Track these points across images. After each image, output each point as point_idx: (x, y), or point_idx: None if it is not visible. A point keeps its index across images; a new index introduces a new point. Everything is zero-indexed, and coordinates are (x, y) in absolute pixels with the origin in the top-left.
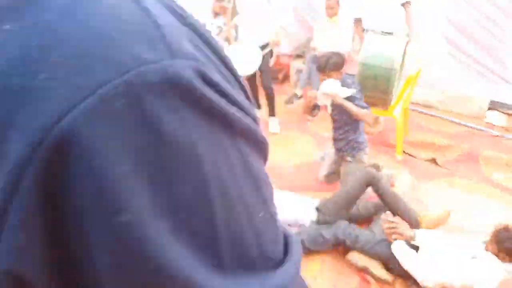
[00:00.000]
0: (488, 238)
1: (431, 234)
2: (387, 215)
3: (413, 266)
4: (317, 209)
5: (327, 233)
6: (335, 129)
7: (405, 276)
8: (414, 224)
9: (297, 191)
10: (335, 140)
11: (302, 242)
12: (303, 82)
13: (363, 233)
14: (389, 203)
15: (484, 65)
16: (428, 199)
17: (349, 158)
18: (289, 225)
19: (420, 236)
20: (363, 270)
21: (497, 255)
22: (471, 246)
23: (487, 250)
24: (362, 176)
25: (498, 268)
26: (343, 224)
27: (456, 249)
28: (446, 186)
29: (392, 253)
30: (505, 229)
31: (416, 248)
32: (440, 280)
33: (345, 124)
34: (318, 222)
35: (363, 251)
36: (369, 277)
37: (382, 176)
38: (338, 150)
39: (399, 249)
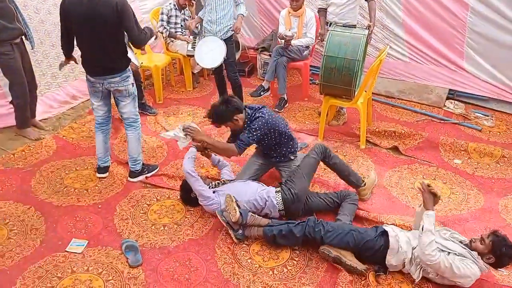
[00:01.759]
0: (475, 238)
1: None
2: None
3: (430, 237)
4: (281, 184)
5: (298, 231)
6: (266, 152)
7: (377, 263)
8: (359, 183)
9: (266, 183)
10: (271, 157)
11: (274, 237)
12: (270, 75)
13: (331, 227)
14: (340, 169)
15: (443, 55)
16: (391, 185)
17: (291, 157)
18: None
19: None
20: (335, 261)
21: (483, 256)
22: (457, 243)
23: (473, 248)
24: (318, 149)
25: (478, 270)
26: (312, 221)
27: (445, 243)
28: (408, 173)
29: (362, 242)
30: (499, 235)
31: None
32: (437, 261)
33: (273, 146)
34: (284, 214)
35: (333, 245)
36: (337, 264)
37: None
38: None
39: (431, 216)
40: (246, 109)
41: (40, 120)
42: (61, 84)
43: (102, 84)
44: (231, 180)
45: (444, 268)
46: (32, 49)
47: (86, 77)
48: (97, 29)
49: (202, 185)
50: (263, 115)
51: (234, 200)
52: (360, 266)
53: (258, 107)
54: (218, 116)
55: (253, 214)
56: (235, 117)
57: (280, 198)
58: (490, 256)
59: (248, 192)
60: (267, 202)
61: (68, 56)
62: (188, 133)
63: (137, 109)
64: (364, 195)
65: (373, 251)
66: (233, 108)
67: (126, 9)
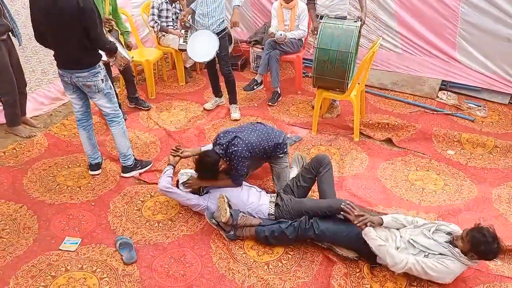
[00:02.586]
0: (457, 233)
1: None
2: (346, 209)
3: (383, 251)
4: (277, 204)
5: (290, 232)
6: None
7: (370, 257)
8: None
9: (261, 176)
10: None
11: (266, 238)
12: (262, 68)
13: (322, 232)
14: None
15: (435, 46)
16: (385, 177)
17: (280, 155)
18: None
19: (386, 219)
20: (328, 250)
21: (466, 253)
22: (440, 241)
23: (456, 245)
24: (337, 205)
25: (461, 266)
26: (303, 223)
27: (426, 242)
28: (401, 165)
29: (354, 240)
30: (479, 230)
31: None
32: (407, 267)
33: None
34: (275, 217)
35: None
36: (332, 256)
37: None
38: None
39: (369, 234)
40: (217, 147)
41: (31, 118)
42: (52, 81)
43: (70, 78)
44: None
45: (417, 272)
46: (19, 45)
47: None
48: (59, 24)
49: (183, 195)
50: (236, 148)
51: (226, 200)
52: (351, 254)
53: (229, 140)
54: (208, 175)
55: (244, 214)
56: (219, 168)
57: (274, 218)
58: (472, 254)
59: (238, 203)
60: (258, 217)
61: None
62: (188, 186)
63: (115, 104)
64: None
65: (365, 245)
66: (211, 165)
67: (88, 7)
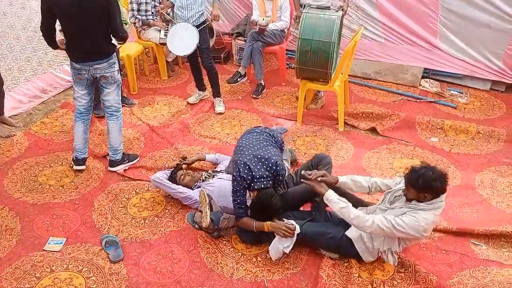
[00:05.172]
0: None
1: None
2: (305, 173)
3: (346, 214)
4: None
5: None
6: None
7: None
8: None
9: None
10: None
11: (249, 242)
12: (245, 60)
13: (307, 228)
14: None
15: (417, 35)
16: (371, 166)
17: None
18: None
19: (342, 179)
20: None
21: (418, 199)
22: (395, 206)
23: (409, 198)
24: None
25: (428, 213)
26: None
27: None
28: (386, 153)
29: (341, 243)
30: (412, 171)
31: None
32: (375, 225)
33: None
34: None
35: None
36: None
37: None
38: None
39: (330, 198)
40: (259, 183)
41: (9, 117)
42: (29, 78)
43: (88, 71)
44: (221, 172)
45: (388, 230)
46: None
47: (71, 64)
48: (85, 14)
49: (173, 187)
50: (283, 168)
51: (207, 200)
52: (334, 256)
53: (272, 168)
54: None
55: (225, 217)
56: None
57: None
58: (424, 195)
59: (223, 197)
60: None
61: (53, 43)
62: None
63: (120, 98)
64: None
65: (351, 246)
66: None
67: None
